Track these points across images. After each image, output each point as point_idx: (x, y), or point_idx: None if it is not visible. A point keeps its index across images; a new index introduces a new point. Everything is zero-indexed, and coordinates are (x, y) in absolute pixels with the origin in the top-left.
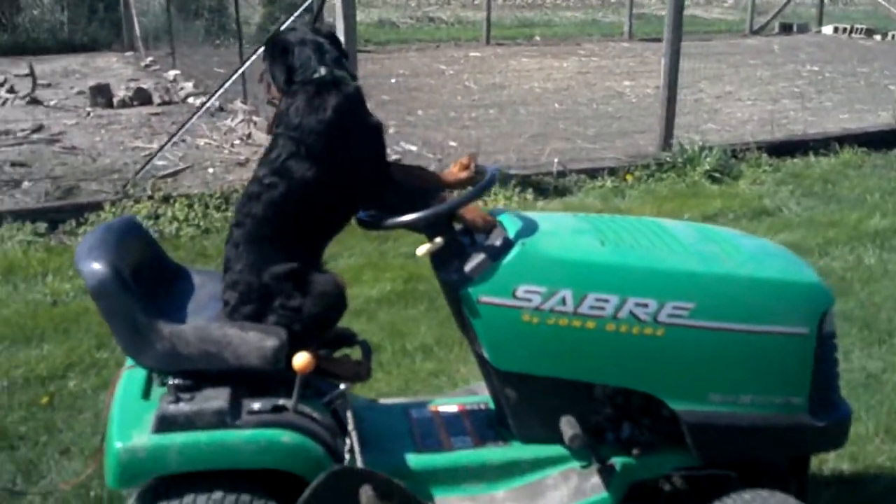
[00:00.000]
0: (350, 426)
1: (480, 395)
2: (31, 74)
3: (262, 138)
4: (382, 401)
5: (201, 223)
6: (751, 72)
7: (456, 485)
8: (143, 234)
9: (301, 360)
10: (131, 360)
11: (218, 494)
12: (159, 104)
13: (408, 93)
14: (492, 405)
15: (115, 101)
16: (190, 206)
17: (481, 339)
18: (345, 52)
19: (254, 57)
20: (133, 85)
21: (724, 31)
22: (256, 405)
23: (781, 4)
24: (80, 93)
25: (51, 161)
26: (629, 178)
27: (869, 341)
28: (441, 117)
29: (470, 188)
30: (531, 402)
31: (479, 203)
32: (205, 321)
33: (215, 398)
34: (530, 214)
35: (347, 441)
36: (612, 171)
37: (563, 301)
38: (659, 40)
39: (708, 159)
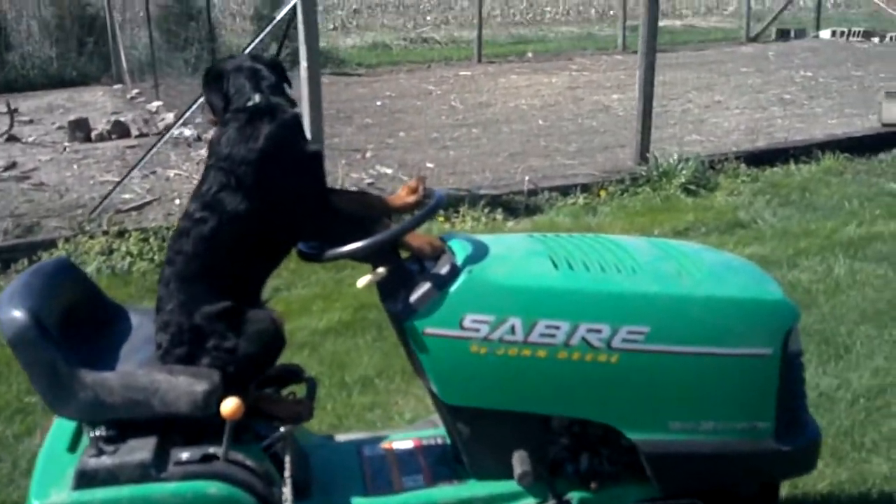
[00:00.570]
0: (287, 472)
1: (439, 428)
2: (9, 112)
3: None
4: (338, 437)
5: (156, 257)
6: (742, 80)
7: None
8: (77, 276)
9: (229, 405)
10: None
11: None
12: (136, 136)
13: (391, 115)
14: (448, 439)
15: (93, 135)
16: (145, 239)
17: (429, 372)
18: (286, 78)
19: None
20: (114, 118)
21: (720, 39)
22: (185, 455)
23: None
24: (60, 128)
25: (17, 199)
26: (602, 193)
27: (825, 357)
28: (422, 138)
29: (415, 213)
30: (484, 436)
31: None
32: (135, 365)
33: (140, 449)
34: (482, 238)
35: (284, 490)
36: (586, 188)
37: (513, 330)
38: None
39: (683, 172)
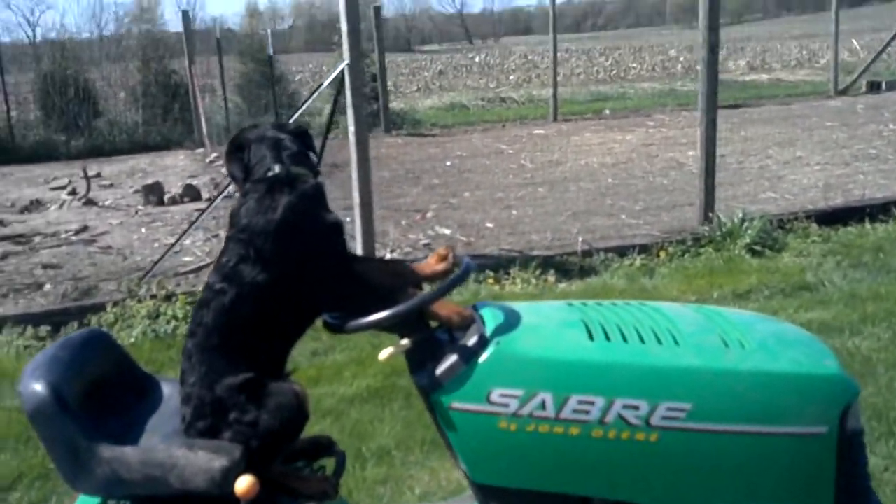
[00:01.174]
0: None
1: None
2: (86, 177)
3: None
4: None
5: None
6: (826, 134)
7: None
8: (108, 346)
9: (243, 484)
10: None
11: None
12: (206, 199)
13: (459, 174)
14: None
15: (166, 198)
16: (191, 303)
17: (456, 449)
18: (311, 146)
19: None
20: (188, 181)
21: (807, 93)
22: None
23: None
24: (136, 192)
25: (83, 262)
26: (662, 254)
27: (877, 434)
28: (486, 198)
29: (439, 283)
30: None
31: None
32: (161, 438)
33: None
34: (516, 306)
35: None
36: (644, 249)
37: (543, 405)
38: (737, 107)
39: (749, 232)
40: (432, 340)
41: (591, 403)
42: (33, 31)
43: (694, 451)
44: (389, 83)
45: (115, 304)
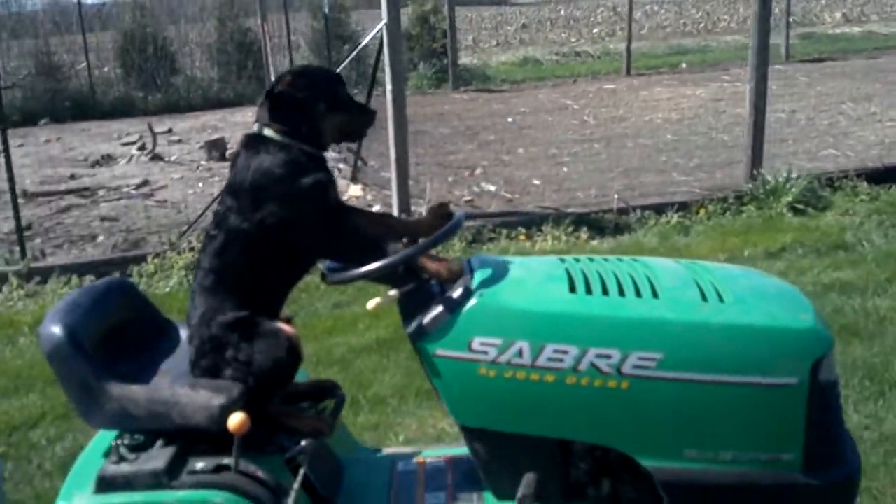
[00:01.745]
0: (295, 485)
1: None
2: (152, 132)
3: (343, 185)
4: (385, 451)
5: None
6: None
7: None
8: (130, 294)
9: (235, 420)
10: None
11: None
12: None
13: (518, 131)
14: None
15: (228, 153)
16: None
17: (441, 393)
18: (329, 91)
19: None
20: None
21: None
22: (198, 465)
23: None
24: (202, 147)
25: (139, 214)
26: (702, 212)
27: (866, 394)
28: (539, 154)
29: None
30: (499, 457)
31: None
32: (171, 378)
33: (156, 458)
34: (508, 260)
35: (288, 501)
36: (684, 206)
37: (520, 353)
38: (821, 61)
39: (793, 190)
40: (423, 291)
41: (566, 352)
42: None
43: (664, 399)
44: (469, 38)
45: (157, 255)
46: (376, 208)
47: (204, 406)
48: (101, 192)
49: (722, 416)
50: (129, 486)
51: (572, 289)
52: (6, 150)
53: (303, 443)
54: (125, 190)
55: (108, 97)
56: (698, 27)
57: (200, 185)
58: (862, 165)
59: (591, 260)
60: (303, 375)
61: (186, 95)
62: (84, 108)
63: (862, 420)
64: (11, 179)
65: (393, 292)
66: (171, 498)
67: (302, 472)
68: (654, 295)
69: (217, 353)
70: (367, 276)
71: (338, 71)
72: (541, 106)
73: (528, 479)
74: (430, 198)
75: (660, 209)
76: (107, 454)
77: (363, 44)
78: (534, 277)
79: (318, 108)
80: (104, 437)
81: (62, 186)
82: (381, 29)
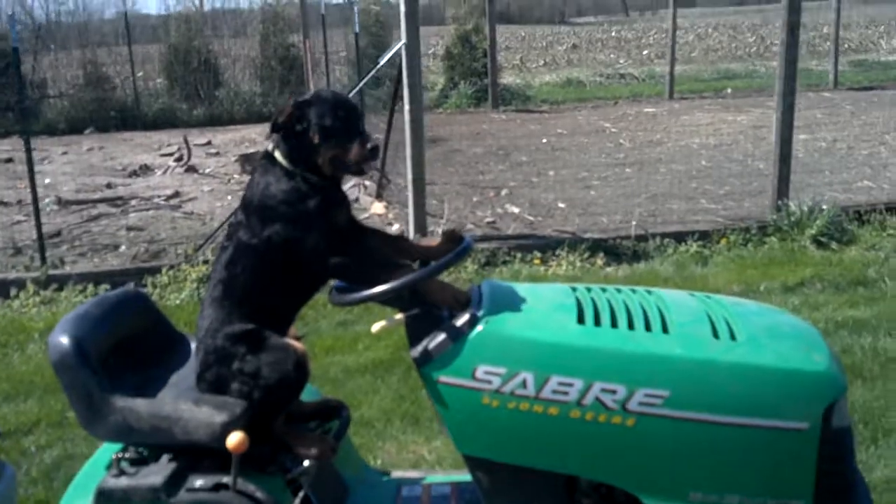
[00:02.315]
0: None
1: None
2: (187, 145)
3: (367, 202)
4: (394, 474)
5: None
6: None
7: None
8: (142, 306)
9: (234, 439)
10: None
11: None
12: None
13: (551, 152)
14: None
15: None
16: None
17: (444, 420)
18: (339, 118)
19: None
20: None
21: None
22: (197, 482)
23: None
24: (236, 160)
25: (164, 225)
26: (723, 242)
27: (860, 439)
28: (569, 177)
29: (434, 263)
30: (502, 488)
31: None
32: (177, 392)
33: (155, 474)
34: (519, 287)
35: None
36: (704, 235)
37: (524, 384)
38: (870, 89)
39: (817, 222)
40: (429, 316)
41: (570, 385)
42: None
43: (670, 438)
44: (517, 58)
45: (172, 267)
46: (397, 226)
47: (206, 423)
48: (132, 202)
49: (729, 459)
50: (127, 500)
51: (581, 319)
52: (29, 160)
53: (305, 463)
54: (155, 201)
55: (152, 108)
56: (750, 51)
57: (229, 197)
58: (893, 199)
59: (604, 290)
60: (314, 393)
61: (229, 108)
62: (128, 118)
63: None
64: (34, 188)
65: (399, 316)
66: None
67: (302, 493)
68: (665, 329)
69: (223, 365)
70: (373, 299)
71: (360, 89)
72: (578, 128)
73: None
74: (447, 218)
75: (680, 237)
76: (108, 467)
77: (380, 65)
78: (542, 306)
79: (310, 139)
80: (108, 449)
81: (97, 195)
82: (398, 49)
